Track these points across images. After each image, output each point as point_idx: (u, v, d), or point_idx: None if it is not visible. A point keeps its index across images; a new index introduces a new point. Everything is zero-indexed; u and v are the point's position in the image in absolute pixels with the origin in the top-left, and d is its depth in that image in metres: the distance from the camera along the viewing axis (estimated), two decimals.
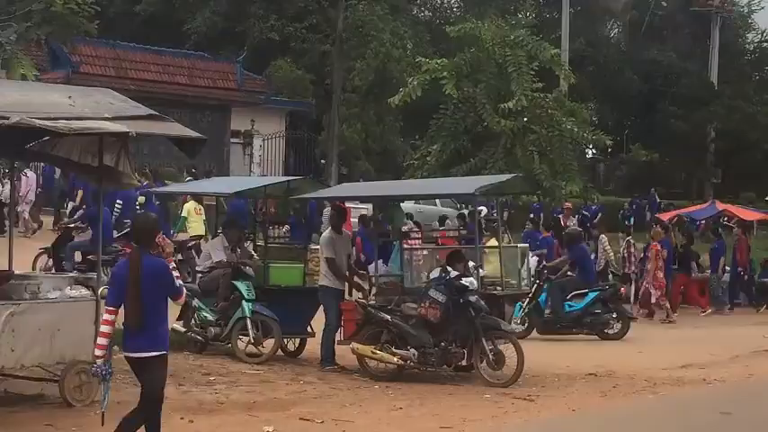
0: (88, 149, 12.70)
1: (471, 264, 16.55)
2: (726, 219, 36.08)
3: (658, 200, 45.48)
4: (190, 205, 25.93)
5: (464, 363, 16.07)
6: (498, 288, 16.95)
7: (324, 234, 17.29)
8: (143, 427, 9.90)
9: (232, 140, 48.16)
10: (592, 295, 21.67)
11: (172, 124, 12.48)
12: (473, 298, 15.61)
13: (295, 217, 28.35)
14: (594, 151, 51.01)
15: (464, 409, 13.80)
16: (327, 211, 27.35)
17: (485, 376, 15.63)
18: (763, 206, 41.69)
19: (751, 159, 58.53)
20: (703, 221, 35.11)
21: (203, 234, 25.79)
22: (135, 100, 12.64)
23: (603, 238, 29.84)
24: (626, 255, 28.36)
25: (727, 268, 30.61)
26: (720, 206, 34.16)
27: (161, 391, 9.98)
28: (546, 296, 21.76)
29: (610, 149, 44.19)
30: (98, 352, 9.93)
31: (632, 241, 29.00)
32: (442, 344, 15.68)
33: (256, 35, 51.95)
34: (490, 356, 15.56)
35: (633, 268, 28.12)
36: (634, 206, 43.41)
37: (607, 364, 17.89)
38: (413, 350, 15.74)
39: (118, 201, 24.54)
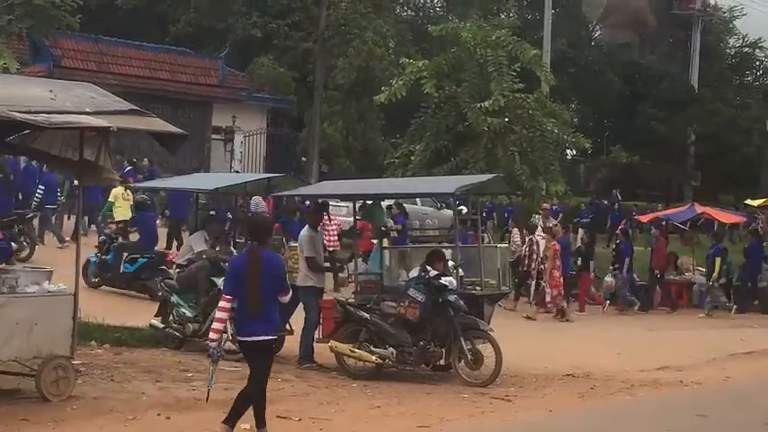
0: (69, 143, 12.66)
1: (450, 263, 16.56)
2: (700, 222, 36.30)
3: (620, 200, 45.06)
4: (117, 191, 26.49)
5: (442, 362, 16.09)
6: (477, 288, 16.96)
7: (302, 233, 17.24)
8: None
9: (213, 137, 48.15)
10: (142, 261, 22.22)
11: (153, 119, 12.45)
12: (452, 297, 15.62)
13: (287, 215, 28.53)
14: (575, 153, 51.09)
15: (442, 408, 13.81)
16: (256, 199, 27.65)
17: (463, 376, 15.65)
18: (747, 209, 41.76)
19: (731, 163, 58.85)
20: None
21: (129, 218, 26.50)
22: (116, 95, 12.61)
23: (515, 231, 30.19)
24: (527, 252, 28.24)
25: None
26: (700, 209, 34.23)
27: (268, 373, 11.28)
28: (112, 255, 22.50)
29: (590, 151, 44.26)
30: (212, 335, 11.17)
31: (536, 239, 28.93)
32: (421, 343, 15.69)
33: (239, 32, 51.92)
34: (468, 356, 15.57)
35: (534, 266, 28.05)
36: (592, 206, 42.93)
37: (585, 364, 17.93)
38: (391, 349, 15.74)
39: (40, 186, 26.65)
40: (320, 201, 18.63)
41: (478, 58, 32.70)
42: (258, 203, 29.67)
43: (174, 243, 28.05)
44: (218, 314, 11.26)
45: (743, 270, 30.80)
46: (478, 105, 31.37)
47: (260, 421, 11.20)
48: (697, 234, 35.54)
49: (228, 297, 11.07)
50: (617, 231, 32.30)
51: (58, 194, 28.57)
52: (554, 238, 27.26)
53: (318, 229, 17.49)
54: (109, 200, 27.00)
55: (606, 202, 44.51)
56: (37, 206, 27.03)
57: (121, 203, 26.80)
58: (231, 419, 11.05)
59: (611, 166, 59.03)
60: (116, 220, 26.37)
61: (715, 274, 29.70)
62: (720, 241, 32.31)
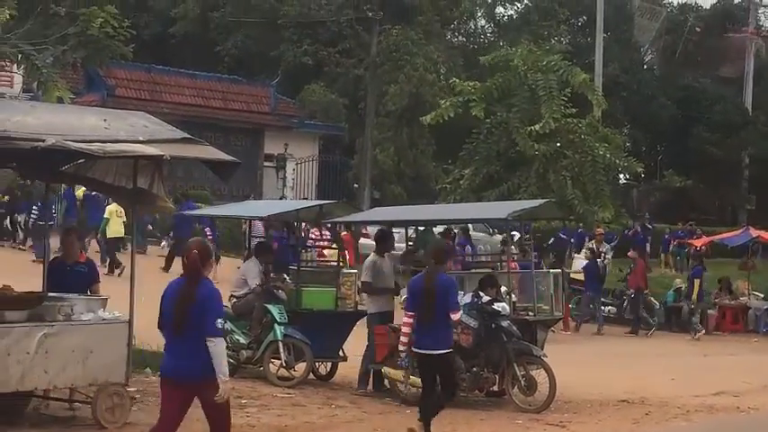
0: (123, 172, 12.75)
1: (503, 289, 16.51)
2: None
3: (647, 223, 43.77)
4: (112, 207, 27.36)
5: (496, 388, 16.01)
6: (530, 313, 16.89)
7: (368, 258, 17.27)
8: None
9: (265, 164, 48.38)
10: None
11: (206, 147, 12.51)
12: (505, 323, 15.56)
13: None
14: (627, 177, 50.82)
15: None
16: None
17: (517, 402, 15.57)
18: None
19: None
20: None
21: (122, 235, 28.38)
22: (169, 123, 12.68)
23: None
24: None
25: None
26: (754, 232, 33.93)
27: (455, 378, 12.89)
28: None
29: (643, 175, 44.03)
30: (401, 348, 12.90)
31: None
32: (474, 369, 15.62)
33: (290, 59, 52.17)
34: (522, 382, 15.50)
35: None
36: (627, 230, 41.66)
37: (639, 390, 17.79)
38: None
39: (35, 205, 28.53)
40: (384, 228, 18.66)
41: (530, 83, 32.66)
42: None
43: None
44: (403, 328, 12.87)
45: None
46: (528, 129, 31.31)
47: (427, 426, 12.60)
48: (753, 259, 35.23)
49: (410, 313, 12.64)
50: (627, 254, 31.85)
51: (53, 212, 29.47)
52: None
53: (385, 254, 17.44)
54: (104, 216, 27.75)
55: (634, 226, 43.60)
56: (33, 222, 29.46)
57: (116, 220, 27.91)
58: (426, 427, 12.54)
59: (664, 190, 58.59)
60: (109, 236, 27.88)
61: (694, 296, 29.49)
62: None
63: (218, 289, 9.41)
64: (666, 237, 43.36)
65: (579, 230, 34.36)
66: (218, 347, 9.12)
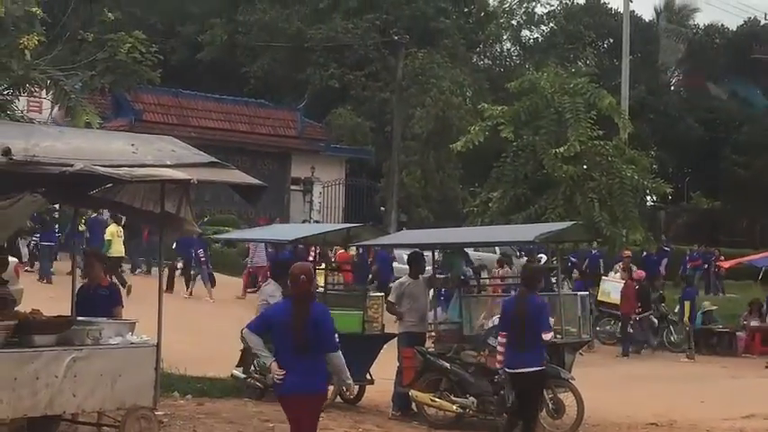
0: (150, 196, 12.80)
1: None
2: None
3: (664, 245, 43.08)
4: (112, 228, 27.90)
5: None
6: (558, 336, 16.84)
7: (400, 279, 17.35)
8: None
9: (292, 187, 48.50)
10: None
11: (233, 171, 12.55)
12: None
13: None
14: (655, 199, 50.68)
15: None
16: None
17: (544, 425, 15.49)
18: None
19: None
20: None
21: (123, 255, 29.76)
22: (196, 147, 12.73)
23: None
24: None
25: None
26: None
27: (537, 400, 13.62)
28: None
29: (671, 197, 43.89)
30: (498, 366, 13.86)
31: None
32: (502, 392, 15.58)
33: (317, 83, 52.34)
34: (550, 405, 15.43)
35: None
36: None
37: (668, 413, 17.70)
38: (472, 398, 15.65)
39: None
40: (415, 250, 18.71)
41: (556, 105, 32.66)
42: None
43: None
44: (498, 348, 13.73)
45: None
46: (554, 152, 31.30)
47: None
48: None
49: (503, 333, 13.51)
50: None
51: (56, 233, 30.76)
52: None
53: (419, 277, 17.48)
54: (106, 238, 28.22)
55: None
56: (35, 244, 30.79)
57: (116, 240, 28.95)
58: None
59: (692, 211, 58.46)
60: (111, 255, 28.27)
61: (686, 318, 29.34)
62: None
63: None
64: (686, 258, 43.03)
65: (594, 252, 34.44)
66: (340, 359, 10.46)
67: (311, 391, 10.18)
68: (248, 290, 31.72)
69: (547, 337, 13.46)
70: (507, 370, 13.51)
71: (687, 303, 29.58)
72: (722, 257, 42.54)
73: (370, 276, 31.54)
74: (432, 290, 18.29)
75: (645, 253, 36.73)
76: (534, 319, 13.28)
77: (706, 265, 42.18)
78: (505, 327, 13.56)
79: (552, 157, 31.36)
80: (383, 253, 30.84)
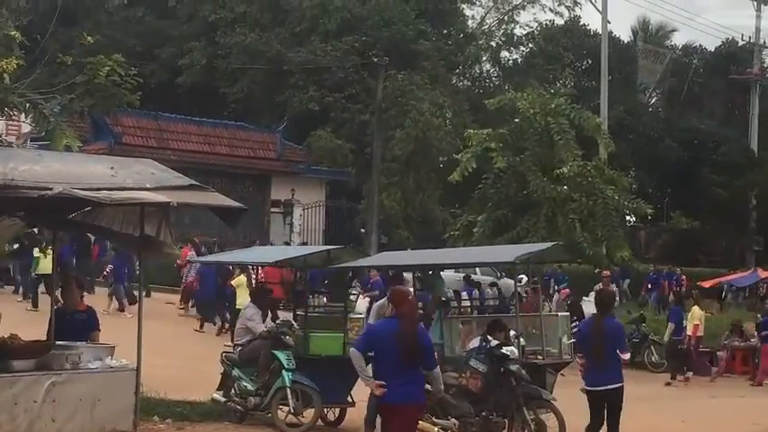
0: (130, 219, 12.78)
1: (512, 333, 16.45)
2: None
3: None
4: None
5: None
6: (539, 357, 16.83)
7: (378, 304, 17.28)
8: None
9: (272, 210, 48.51)
10: None
11: (213, 194, 12.53)
12: (514, 367, 15.50)
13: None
14: (634, 219, 50.85)
15: None
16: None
17: None
18: None
19: None
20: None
21: (50, 272, 27.87)
22: (176, 170, 12.70)
23: None
24: None
25: None
26: (763, 274, 33.87)
27: (619, 413, 14.02)
28: None
29: (650, 217, 44.04)
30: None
31: None
32: (483, 413, 15.56)
33: (296, 105, 52.36)
34: (532, 426, 15.42)
35: None
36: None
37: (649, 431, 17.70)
38: (454, 420, 15.62)
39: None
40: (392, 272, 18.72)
41: (537, 126, 32.75)
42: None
43: None
44: (580, 368, 14.40)
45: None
46: (555, 173, 31.29)
47: None
48: (761, 300, 35.13)
49: (581, 354, 14.38)
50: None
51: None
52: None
53: None
54: (34, 255, 28.56)
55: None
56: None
57: (44, 259, 28.59)
58: None
59: (672, 231, 58.59)
60: (37, 273, 29.35)
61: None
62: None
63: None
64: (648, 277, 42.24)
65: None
66: (439, 374, 12.12)
67: (415, 401, 11.42)
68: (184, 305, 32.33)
69: (625, 356, 14.24)
70: (589, 388, 14.07)
71: (671, 325, 29.41)
72: (684, 277, 42.62)
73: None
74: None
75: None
76: (612, 339, 13.97)
77: (667, 284, 41.98)
78: (583, 348, 14.36)
79: (541, 179, 31.41)
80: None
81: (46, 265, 29.24)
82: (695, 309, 28.84)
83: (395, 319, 11.52)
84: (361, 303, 23.45)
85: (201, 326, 28.75)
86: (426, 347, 11.57)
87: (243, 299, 26.88)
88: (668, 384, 27.45)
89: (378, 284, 30.18)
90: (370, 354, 11.58)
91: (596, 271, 33.12)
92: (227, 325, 28.91)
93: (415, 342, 11.37)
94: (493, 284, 31.67)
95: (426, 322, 20.19)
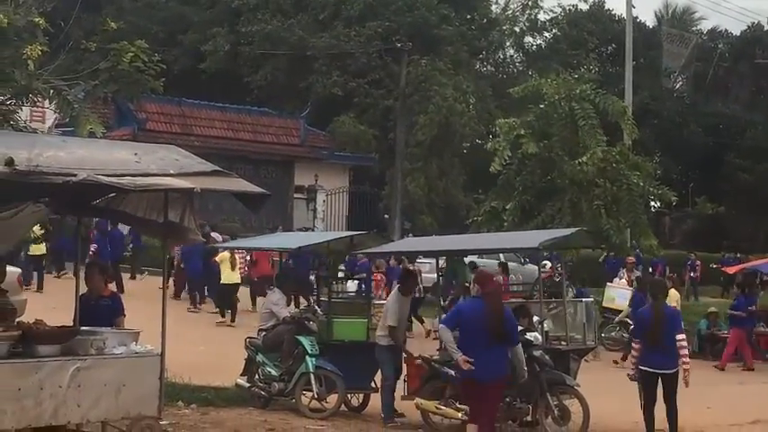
0: (153, 206, 12.78)
1: (536, 318, 16.43)
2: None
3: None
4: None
5: (529, 418, 15.91)
6: (563, 343, 16.80)
7: (392, 297, 17.21)
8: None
9: (296, 196, 48.49)
10: None
11: (236, 180, 12.53)
12: (538, 353, 15.48)
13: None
14: (659, 205, 50.66)
15: None
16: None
17: None
18: None
19: None
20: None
21: (45, 253, 31.13)
22: (200, 156, 12.70)
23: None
24: None
25: None
26: None
27: (675, 392, 14.86)
28: None
29: (675, 203, 43.92)
30: (632, 360, 15.42)
31: None
32: (507, 399, 15.52)
33: (320, 91, 52.32)
34: (555, 412, 15.40)
35: None
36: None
37: None
38: None
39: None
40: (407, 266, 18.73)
41: (561, 112, 32.61)
42: None
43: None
44: (634, 352, 15.20)
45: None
46: (578, 162, 31.15)
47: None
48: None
49: (637, 340, 15.10)
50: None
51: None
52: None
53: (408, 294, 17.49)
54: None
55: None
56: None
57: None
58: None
59: (697, 217, 58.38)
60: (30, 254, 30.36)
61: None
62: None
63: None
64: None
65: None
66: (521, 352, 13.32)
67: (500, 376, 12.59)
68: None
69: (682, 336, 14.81)
70: (649, 369, 14.70)
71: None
72: (698, 262, 42.41)
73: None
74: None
75: (605, 257, 36.33)
76: (670, 324, 14.73)
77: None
78: (641, 333, 15.09)
79: (569, 164, 31.29)
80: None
81: (38, 247, 29.83)
82: (672, 291, 28.79)
83: (480, 298, 12.76)
84: (350, 285, 23.53)
85: (223, 315, 28.87)
86: (511, 325, 12.72)
87: (226, 274, 28.54)
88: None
89: (365, 266, 30.60)
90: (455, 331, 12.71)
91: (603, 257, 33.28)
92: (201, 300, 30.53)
93: (501, 320, 12.48)
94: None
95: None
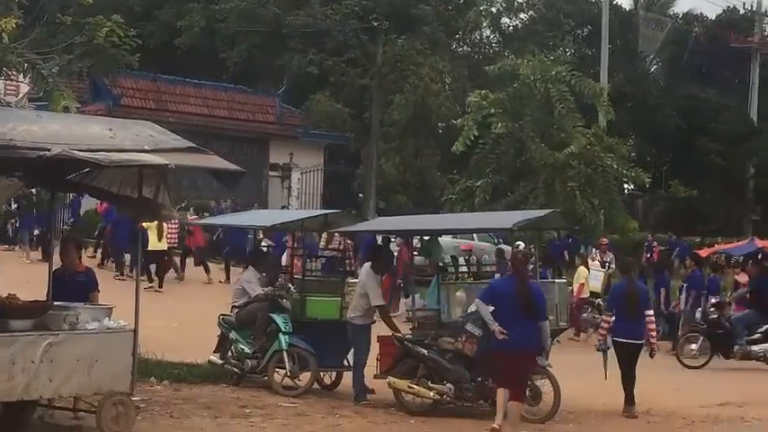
0: (128, 181, 12.76)
1: None
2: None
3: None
4: None
5: None
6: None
7: (366, 275, 17.07)
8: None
9: (270, 173, 48.42)
10: None
11: (211, 157, 12.52)
12: None
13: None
14: (632, 187, 50.85)
15: None
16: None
17: (522, 413, 15.51)
18: None
19: None
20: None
21: None
22: (175, 132, 12.68)
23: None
24: None
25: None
26: (760, 243, 33.77)
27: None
28: None
29: (648, 185, 44.09)
30: (601, 332, 17.20)
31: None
32: (479, 378, 15.59)
33: (295, 69, 52.19)
34: (527, 392, 15.46)
35: None
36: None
37: (644, 400, 17.72)
38: (449, 385, 15.66)
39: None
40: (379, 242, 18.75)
41: (536, 93, 32.67)
42: None
43: None
44: (604, 324, 17.11)
45: None
46: (565, 152, 31.19)
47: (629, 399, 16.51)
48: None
49: (609, 313, 16.95)
50: None
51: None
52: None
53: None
54: None
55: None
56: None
57: None
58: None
59: (670, 200, 58.56)
60: None
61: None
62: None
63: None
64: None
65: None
66: (548, 326, 14.18)
67: (531, 347, 13.87)
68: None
69: (650, 312, 16.71)
70: (621, 340, 16.46)
71: (663, 291, 29.42)
72: (656, 244, 42.61)
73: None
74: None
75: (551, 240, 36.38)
76: (641, 299, 16.61)
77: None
78: (614, 306, 16.84)
79: (539, 146, 31.36)
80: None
81: None
82: (581, 269, 29.05)
83: (513, 277, 14.17)
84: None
85: (150, 281, 29.34)
86: (540, 302, 13.99)
87: (153, 240, 29.28)
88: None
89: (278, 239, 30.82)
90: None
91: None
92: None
93: (530, 296, 13.82)
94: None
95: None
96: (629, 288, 16.76)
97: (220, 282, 31.68)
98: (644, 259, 39.97)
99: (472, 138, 33.02)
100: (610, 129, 38.01)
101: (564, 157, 31.40)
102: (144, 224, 28.95)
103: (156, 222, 28.61)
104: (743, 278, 29.56)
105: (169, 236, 30.28)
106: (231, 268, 31.86)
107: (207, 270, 31.98)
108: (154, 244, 29.37)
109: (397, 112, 47.52)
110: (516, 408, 13.90)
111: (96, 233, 33.28)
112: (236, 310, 17.82)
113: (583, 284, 28.67)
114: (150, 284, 28.84)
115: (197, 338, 19.39)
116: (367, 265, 17.33)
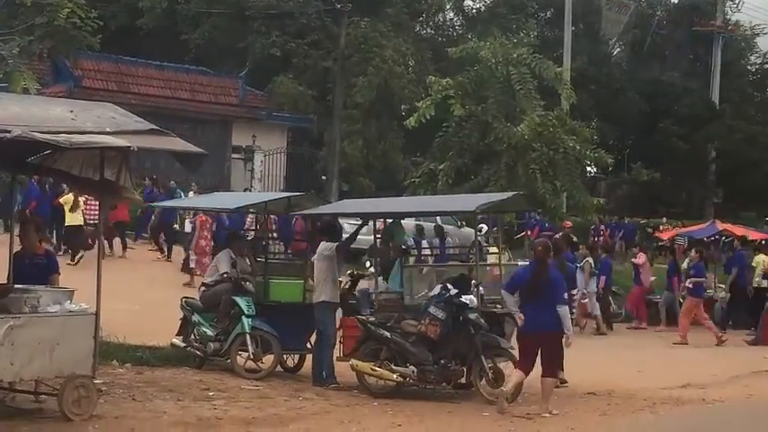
0: (89, 163, 12.69)
1: (472, 281, 16.49)
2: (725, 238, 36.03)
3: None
4: None
5: (463, 380, 16.04)
6: (498, 306, 16.90)
7: (325, 251, 17.03)
8: None
9: (233, 156, 48.27)
10: None
11: (173, 139, 12.46)
12: (473, 315, 15.57)
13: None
14: (595, 170, 51.05)
15: (463, 426, 13.78)
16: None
17: (484, 394, 15.58)
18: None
19: (752, 179, 58.55)
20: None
21: None
22: (137, 114, 12.62)
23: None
24: None
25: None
26: (720, 226, 34.00)
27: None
28: None
29: (611, 168, 44.23)
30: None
31: None
32: (442, 361, 15.64)
33: (258, 51, 51.98)
34: (489, 374, 15.51)
35: None
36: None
37: (606, 383, 17.84)
38: (412, 367, 15.68)
39: None
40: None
41: (498, 76, 32.73)
42: None
43: None
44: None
45: None
46: (516, 129, 31.28)
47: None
48: (719, 251, 35.40)
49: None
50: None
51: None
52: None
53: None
54: None
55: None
56: None
57: None
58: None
59: (632, 183, 58.83)
60: None
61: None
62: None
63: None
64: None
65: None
66: (565, 311, 14.53)
67: (550, 329, 14.38)
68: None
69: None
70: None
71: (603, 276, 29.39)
72: (603, 227, 42.82)
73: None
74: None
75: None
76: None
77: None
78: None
79: (504, 125, 31.44)
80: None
81: None
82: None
83: (534, 262, 14.82)
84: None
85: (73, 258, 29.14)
86: (554, 287, 14.49)
87: (70, 216, 29.30)
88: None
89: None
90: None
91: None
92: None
93: (547, 281, 14.43)
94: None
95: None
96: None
97: (159, 258, 32.03)
98: (591, 242, 40.32)
99: (428, 117, 33.07)
100: (573, 111, 38.10)
101: (523, 136, 31.47)
102: (61, 199, 29.34)
103: (72, 197, 28.66)
104: (640, 260, 30.23)
105: (89, 210, 29.71)
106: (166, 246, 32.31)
107: (124, 246, 31.60)
108: (70, 219, 29.43)
109: (361, 95, 47.46)
110: (548, 384, 14.75)
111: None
112: (204, 288, 17.82)
113: None
114: (71, 262, 28.19)
115: (159, 322, 19.34)
116: (323, 243, 17.23)
